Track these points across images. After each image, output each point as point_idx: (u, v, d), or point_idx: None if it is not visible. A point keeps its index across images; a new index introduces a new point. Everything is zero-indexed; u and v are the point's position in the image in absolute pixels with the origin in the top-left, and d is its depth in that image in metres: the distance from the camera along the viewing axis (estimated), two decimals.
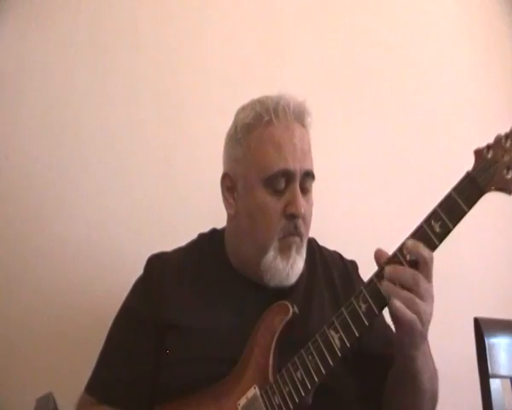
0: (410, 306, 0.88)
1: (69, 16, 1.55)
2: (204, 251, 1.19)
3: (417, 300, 0.89)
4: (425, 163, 1.72)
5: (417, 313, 0.89)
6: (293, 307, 1.01)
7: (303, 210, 1.05)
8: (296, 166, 1.05)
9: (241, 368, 1.02)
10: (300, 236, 1.08)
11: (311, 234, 1.26)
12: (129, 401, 1.09)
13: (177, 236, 1.23)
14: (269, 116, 1.07)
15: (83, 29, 1.56)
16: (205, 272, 1.15)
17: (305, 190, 1.09)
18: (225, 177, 1.15)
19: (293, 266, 1.07)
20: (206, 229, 1.24)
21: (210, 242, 1.20)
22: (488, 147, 0.89)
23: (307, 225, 1.10)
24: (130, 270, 1.21)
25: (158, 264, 1.17)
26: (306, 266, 1.17)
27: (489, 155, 0.88)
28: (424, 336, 0.94)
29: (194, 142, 1.56)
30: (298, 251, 1.08)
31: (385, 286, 0.90)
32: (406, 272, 0.89)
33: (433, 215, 0.90)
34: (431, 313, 0.92)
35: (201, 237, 1.23)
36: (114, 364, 1.12)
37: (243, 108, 1.13)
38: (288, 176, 1.06)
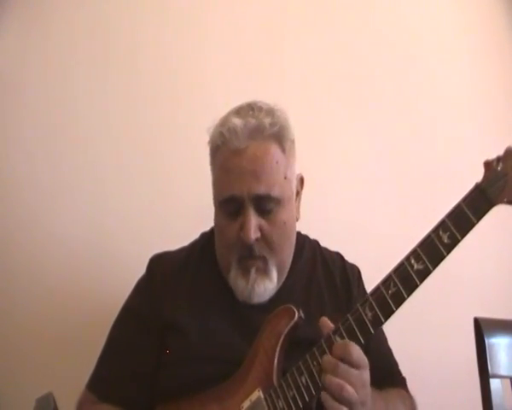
0: (339, 395, 0.88)
1: (69, 16, 1.56)
2: (204, 252, 1.19)
3: (348, 389, 0.88)
4: (426, 164, 1.72)
5: (346, 402, 0.88)
6: (298, 312, 1.01)
7: (253, 236, 1.03)
8: (243, 190, 1.02)
9: (246, 370, 1.02)
10: (262, 258, 1.06)
11: (313, 235, 1.26)
12: (129, 400, 1.09)
13: (178, 236, 1.23)
14: (217, 142, 1.07)
15: (82, 29, 1.56)
16: (204, 273, 1.16)
17: (266, 212, 1.05)
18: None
19: (255, 287, 1.06)
20: (207, 228, 1.24)
21: (210, 242, 1.20)
22: (498, 159, 0.87)
23: (273, 247, 1.07)
24: (131, 270, 1.22)
25: (160, 264, 1.18)
26: (306, 269, 1.18)
27: (499, 168, 0.87)
28: None
29: (194, 142, 1.56)
30: (262, 272, 1.07)
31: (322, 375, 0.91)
32: (332, 361, 0.90)
33: (442, 226, 0.88)
34: (366, 395, 0.91)
35: (203, 236, 1.23)
36: (116, 362, 1.12)
37: (214, 123, 1.12)
38: (236, 201, 1.04)
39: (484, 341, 1.20)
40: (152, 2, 1.61)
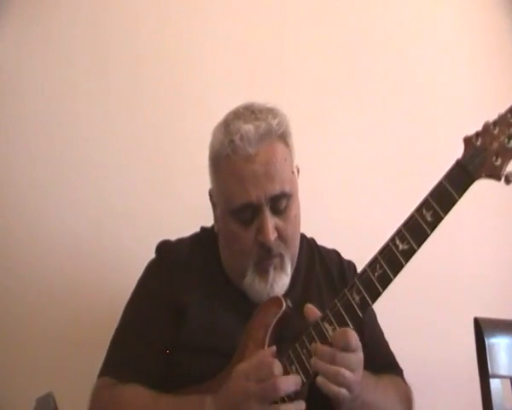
0: (337, 380, 0.90)
1: (69, 16, 1.55)
2: (206, 248, 1.19)
3: (345, 373, 0.90)
4: (423, 160, 1.71)
5: (345, 385, 0.90)
6: (286, 301, 1.02)
7: (272, 238, 1.04)
8: (260, 195, 1.03)
9: (237, 362, 1.01)
10: (279, 256, 1.07)
11: (310, 233, 1.26)
12: (152, 375, 1.07)
13: (178, 233, 1.23)
14: (226, 151, 1.05)
15: (83, 29, 1.56)
16: (208, 270, 1.16)
17: (280, 211, 1.06)
18: (210, 193, 1.17)
19: (274, 285, 1.07)
20: (205, 225, 1.25)
21: (211, 238, 1.20)
22: (477, 134, 0.90)
23: (288, 243, 1.08)
24: (131, 270, 1.21)
25: (170, 250, 1.18)
26: (304, 266, 1.19)
27: (478, 143, 0.89)
28: (357, 397, 0.94)
29: (193, 139, 1.56)
30: (279, 269, 1.08)
31: (313, 362, 0.92)
32: (329, 351, 0.91)
33: (425, 204, 0.91)
34: (360, 377, 0.93)
35: (204, 230, 1.24)
36: (134, 342, 1.10)
37: (213, 133, 1.12)
38: (252, 207, 1.04)
39: (484, 341, 1.20)
40: (153, 2, 1.61)
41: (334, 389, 0.89)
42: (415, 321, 1.63)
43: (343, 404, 0.93)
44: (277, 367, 0.92)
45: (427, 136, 1.74)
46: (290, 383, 0.92)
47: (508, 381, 1.21)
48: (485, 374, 1.19)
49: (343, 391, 0.90)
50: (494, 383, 1.19)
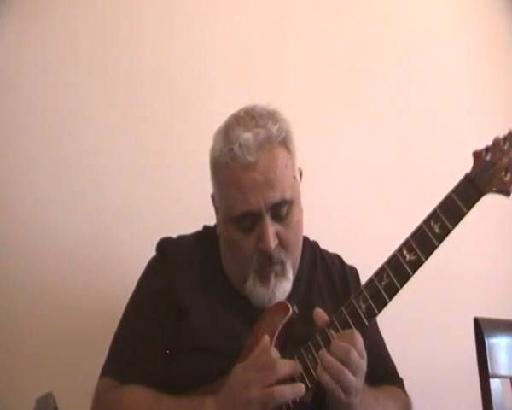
0: (338, 378, 0.90)
1: (69, 16, 1.56)
2: (206, 248, 1.19)
3: (348, 374, 0.90)
4: (425, 163, 1.72)
5: (344, 385, 0.91)
6: (292, 307, 1.02)
7: (273, 245, 1.03)
8: (260, 203, 1.02)
9: None
10: (280, 263, 1.07)
11: (313, 236, 1.26)
12: (154, 376, 1.06)
13: (178, 233, 1.23)
14: (225, 159, 1.04)
15: (83, 28, 1.56)
16: (210, 271, 1.16)
17: (282, 217, 1.05)
18: (212, 197, 1.16)
19: (275, 291, 1.07)
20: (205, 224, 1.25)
21: (213, 237, 1.19)
22: (487, 149, 0.91)
23: (290, 249, 1.08)
24: (131, 270, 1.21)
25: (171, 248, 1.18)
26: (307, 269, 1.19)
27: (487, 158, 0.90)
28: (351, 405, 0.94)
29: (193, 139, 1.56)
30: (280, 275, 1.08)
31: (321, 354, 0.92)
32: (341, 347, 0.91)
33: (433, 216, 0.91)
34: (360, 385, 0.94)
35: (206, 229, 1.23)
36: (136, 343, 1.10)
37: (214, 137, 1.11)
38: (252, 215, 1.04)
39: (484, 341, 1.20)
40: (152, 1, 1.61)
41: (332, 384, 0.90)
42: (415, 321, 1.63)
43: (337, 406, 0.94)
44: (275, 353, 0.93)
45: (428, 137, 1.74)
46: (287, 365, 0.93)
47: (508, 381, 1.21)
48: (485, 374, 1.20)
49: (339, 391, 0.90)
50: (494, 383, 1.19)
